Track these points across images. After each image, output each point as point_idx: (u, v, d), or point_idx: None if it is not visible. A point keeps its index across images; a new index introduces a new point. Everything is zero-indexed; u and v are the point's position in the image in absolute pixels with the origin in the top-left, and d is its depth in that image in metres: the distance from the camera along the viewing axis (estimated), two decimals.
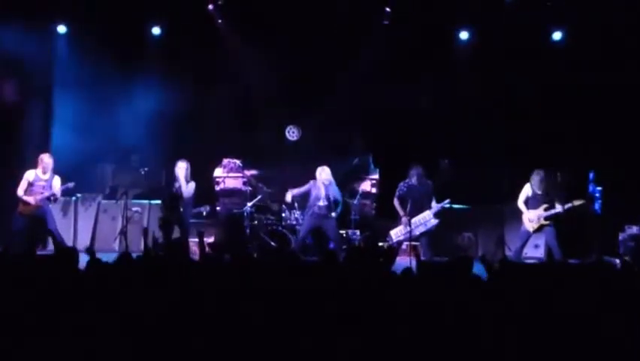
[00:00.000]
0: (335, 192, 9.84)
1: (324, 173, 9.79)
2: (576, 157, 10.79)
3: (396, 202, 9.67)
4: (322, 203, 9.71)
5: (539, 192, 9.35)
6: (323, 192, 9.73)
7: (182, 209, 9.60)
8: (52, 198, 9.55)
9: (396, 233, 9.63)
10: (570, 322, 4.07)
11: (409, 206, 9.43)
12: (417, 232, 9.40)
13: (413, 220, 9.34)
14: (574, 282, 5.01)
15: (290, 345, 3.91)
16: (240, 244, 10.23)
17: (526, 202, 9.44)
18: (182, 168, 9.54)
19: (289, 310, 4.20)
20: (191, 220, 10.00)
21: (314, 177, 9.86)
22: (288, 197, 10.05)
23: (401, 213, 9.59)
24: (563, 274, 5.43)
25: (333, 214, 9.77)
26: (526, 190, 9.47)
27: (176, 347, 3.93)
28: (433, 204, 9.59)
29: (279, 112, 11.98)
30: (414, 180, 9.56)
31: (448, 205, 9.73)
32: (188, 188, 9.55)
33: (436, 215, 9.56)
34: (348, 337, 3.91)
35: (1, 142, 11.01)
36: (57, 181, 9.54)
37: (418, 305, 4.23)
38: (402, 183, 9.66)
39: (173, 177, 9.64)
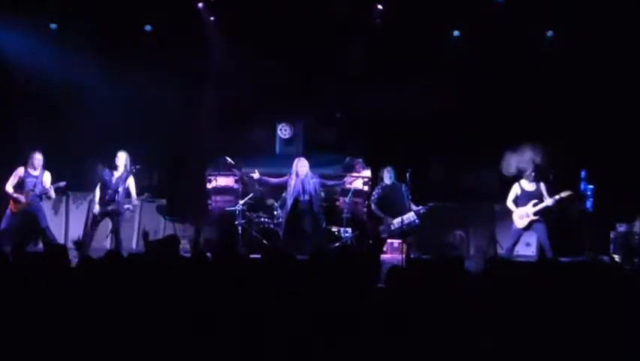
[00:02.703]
0: (316, 185, 9.74)
1: (302, 166, 9.72)
2: (568, 155, 10.80)
3: (374, 207, 9.67)
4: (303, 197, 9.63)
5: (530, 190, 9.34)
6: (301, 186, 9.64)
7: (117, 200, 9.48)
8: (44, 196, 9.55)
9: (397, 221, 9.54)
10: (562, 320, 4.08)
11: (388, 207, 9.45)
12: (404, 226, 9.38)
13: (396, 220, 9.38)
14: (565, 280, 5.02)
15: (284, 344, 3.91)
16: (231, 242, 10.21)
17: (515, 201, 9.46)
18: (122, 159, 9.49)
19: (282, 309, 4.20)
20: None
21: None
22: (256, 175, 9.95)
23: (381, 215, 9.60)
24: (554, 272, 5.43)
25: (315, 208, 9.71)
26: (515, 189, 9.48)
27: (171, 345, 3.92)
28: (413, 207, 9.51)
29: (272, 110, 11.96)
30: (387, 181, 9.56)
31: (428, 209, 9.57)
32: (127, 181, 9.49)
33: (419, 217, 9.47)
34: (341, 337, 3.91)
35: None
36: (47, 177, 9.55)
37: (410, 303, 4.23)
38: (376, 188, 9.69)
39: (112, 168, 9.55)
